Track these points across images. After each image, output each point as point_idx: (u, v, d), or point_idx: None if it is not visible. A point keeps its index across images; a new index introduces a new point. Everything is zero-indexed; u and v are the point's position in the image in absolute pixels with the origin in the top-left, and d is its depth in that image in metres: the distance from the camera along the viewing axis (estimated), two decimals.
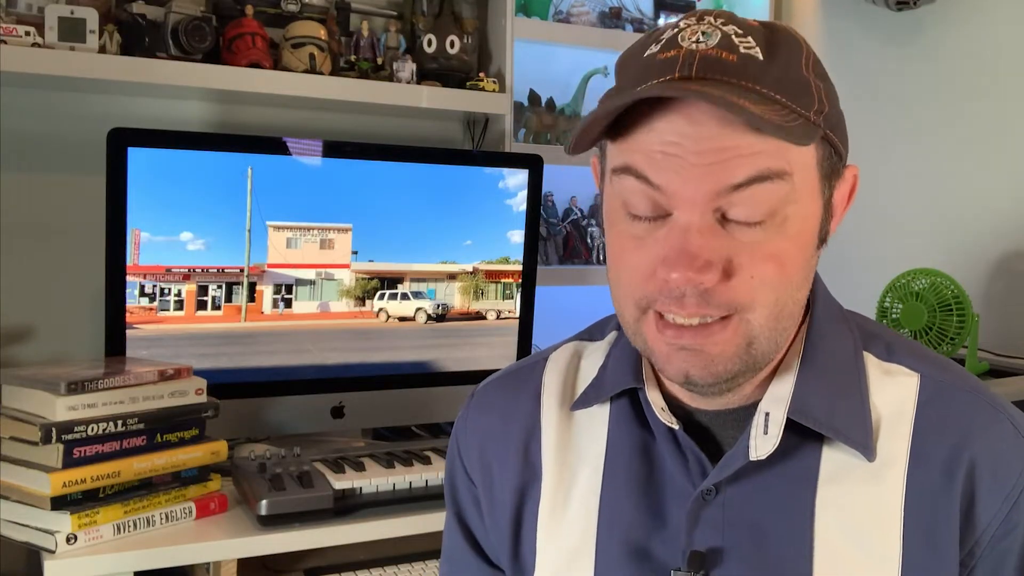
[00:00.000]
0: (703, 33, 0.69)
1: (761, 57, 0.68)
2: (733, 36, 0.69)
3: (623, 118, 0.70)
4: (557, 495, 0.83)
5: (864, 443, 0.74)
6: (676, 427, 0.77)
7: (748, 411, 0.77)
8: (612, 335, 0.88)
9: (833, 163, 0.73)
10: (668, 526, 0.78)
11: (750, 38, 0.69)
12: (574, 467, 0.83)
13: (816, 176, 0.71)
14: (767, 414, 0.75)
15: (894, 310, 1.68)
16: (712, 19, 0.70)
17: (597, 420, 0.84)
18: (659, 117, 0.68)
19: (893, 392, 0.77)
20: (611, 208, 0.74)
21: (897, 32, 2.06)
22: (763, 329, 0.70)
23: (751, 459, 0.74)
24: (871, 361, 0.79)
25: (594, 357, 0.88)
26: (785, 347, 0.75)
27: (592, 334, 0.91)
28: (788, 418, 0.74)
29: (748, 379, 0.75)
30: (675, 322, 0.70)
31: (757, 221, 0.68)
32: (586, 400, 0.84)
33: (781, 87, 0.68)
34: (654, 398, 0.79)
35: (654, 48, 0.71)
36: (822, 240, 0.75)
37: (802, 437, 0.75)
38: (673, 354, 0.71)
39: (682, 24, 0.71)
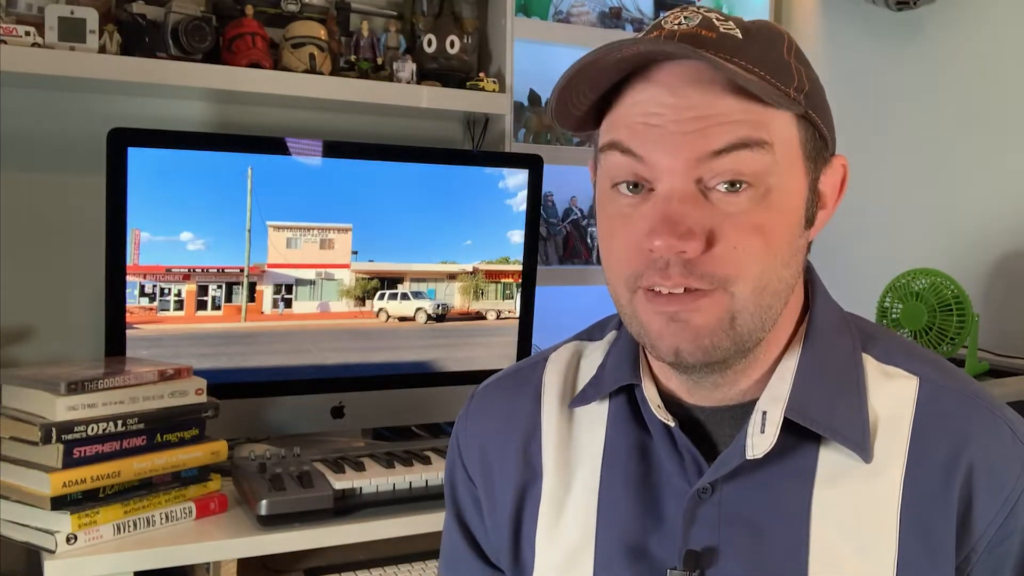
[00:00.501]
0: (685, 17, 0.72)
1: (740, 36, 0.71)
2: (715, 19, 0.71)
3: (608, 102, 0.72)
4: (557, 494, 0.83)
5: (861, 444, 0.74)
6: (672, 424, 0.77)
7: (745, 409, 0.77)
8: (612, 334, 0.88)
9: (818, 146, 0.74)
10: (665, 525, 0.78)
11: (731, 22, 0.72)
12: (573, 466, 0.83)
13: (800, 154, 0.72)
14: (764, 413, 0.75)
15: (894, 310, 1.68)
16: (695, 8, 0.73)
17: (596, 418, 0.84)
18: (640, 90, 0.70)
19: (892, 394, 0.77)
20: (601, 191, 0.75)
21: (897, 32, 2.06)
22: (747, 303, 0.70)
23: (747, 458, 0.74)
24: (870, 363, 0.79)
25: (594, 356, 0.88)
26: (771, 328, 0.75)
27: (592, 334, 0.91)
28: (785, 417, 0.74)
29: (739, 364, 0.75)
30: (661, 292, 0.71)
31: (738, 189, 0.69)
32: (585, 397, 0.85)
33: (760, 63, 0.69)
34: (651, 395, 0.79)
35: (637, 36, 0.73)
36: (809, 221, 0.75)
37: (799, 437, 0.75)
38: (664, 328, 0.71)
39: (666, 14, 0.74)
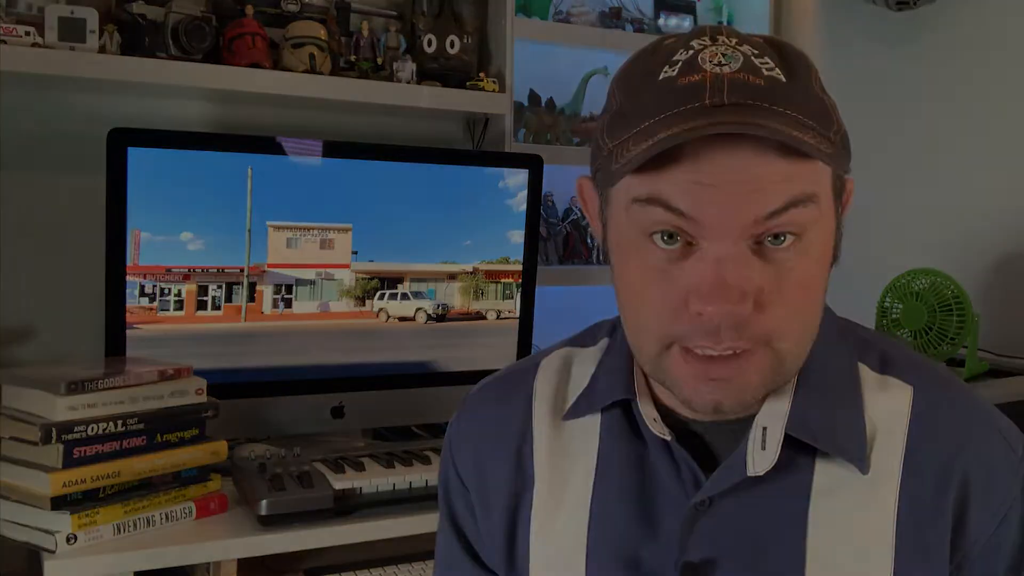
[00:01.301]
0: (723, 55, 0.67)
1: (784, 79, 0.67)
2: (752, 58, 0.67)
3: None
4: (549, 502, 0.83)
5: (859, 457, 0.74)
6: (668, 438, 0.76)
7: (744, 423, 0.76)
8: (604, 342, 0.87)
9: (841, 181, 0.73)
10: (660, 536, 0.77)
11: (767, 58, 0.67)
12: (566, 475, 0.82)
13: (831, 196, 0.71)
14: (764, 429, 0.74)
15: (894, 310, 1.68)
16: (726, 38, 0.69)
17: (589, 429, 0.83)
18: (689, 145, 0.65)
19: (887, 405, 0.77)
20: (627, 238, 0.71)
21: (897, 32, 2.06)
22: (789, 354, 0.70)
23: (749, 475, 0.73)
24: (866, 373, 0.79)
25: (585, 365, 0.86)
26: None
27: (584, 340, 0.90)
28: (786, 433, 0.74)
29: None
30: (705, 354, 0.68)
31: (782, 241, 0.67)
32: (577, 410, 0.84)
33: (807, 110, 0.66)
34: (647, 410, 0.78)
35: (670, 71, 0.67)
36: (835, 258, 0.75)
37: (796, 450, 0.75)
38: (701, 386, 0.69)
39: (696, 45, 0.68)
